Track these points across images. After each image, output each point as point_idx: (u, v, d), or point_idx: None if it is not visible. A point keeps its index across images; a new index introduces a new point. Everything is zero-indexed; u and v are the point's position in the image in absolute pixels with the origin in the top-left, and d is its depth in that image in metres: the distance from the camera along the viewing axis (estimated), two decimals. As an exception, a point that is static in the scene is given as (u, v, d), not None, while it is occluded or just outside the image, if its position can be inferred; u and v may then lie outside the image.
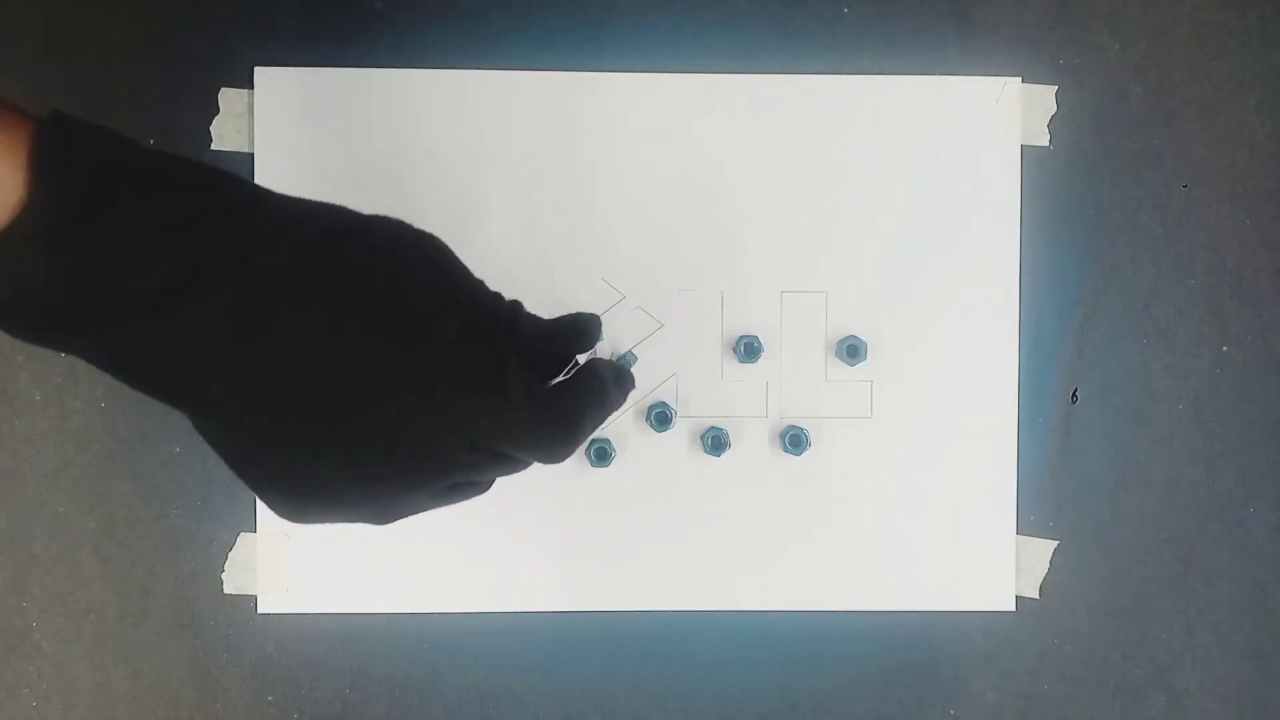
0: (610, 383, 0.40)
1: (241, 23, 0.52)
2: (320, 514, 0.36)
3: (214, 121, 0.52)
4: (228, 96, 0.52)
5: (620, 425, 0.53)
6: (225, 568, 0.52)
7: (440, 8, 0.52)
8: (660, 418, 0.52)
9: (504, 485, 0.51)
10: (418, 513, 0.37)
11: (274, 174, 0.51)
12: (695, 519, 0.53)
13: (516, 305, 0.39)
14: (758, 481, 0.53)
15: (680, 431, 0.53)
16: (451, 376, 0.34)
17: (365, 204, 0.36)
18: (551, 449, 0.37)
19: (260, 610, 0.52)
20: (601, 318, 0.51)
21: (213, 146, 0.52)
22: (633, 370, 0.52)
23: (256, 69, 0.52)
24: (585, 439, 0.39)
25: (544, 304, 0.41)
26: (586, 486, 0.52)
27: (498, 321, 0.38)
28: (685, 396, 0.53)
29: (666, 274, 0.53)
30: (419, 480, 0.35)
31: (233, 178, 0.35)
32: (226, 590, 0.52)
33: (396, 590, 0.52)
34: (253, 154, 0.52)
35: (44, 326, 0.32)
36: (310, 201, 0.35)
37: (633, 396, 0.52)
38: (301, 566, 0.52)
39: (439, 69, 0.52)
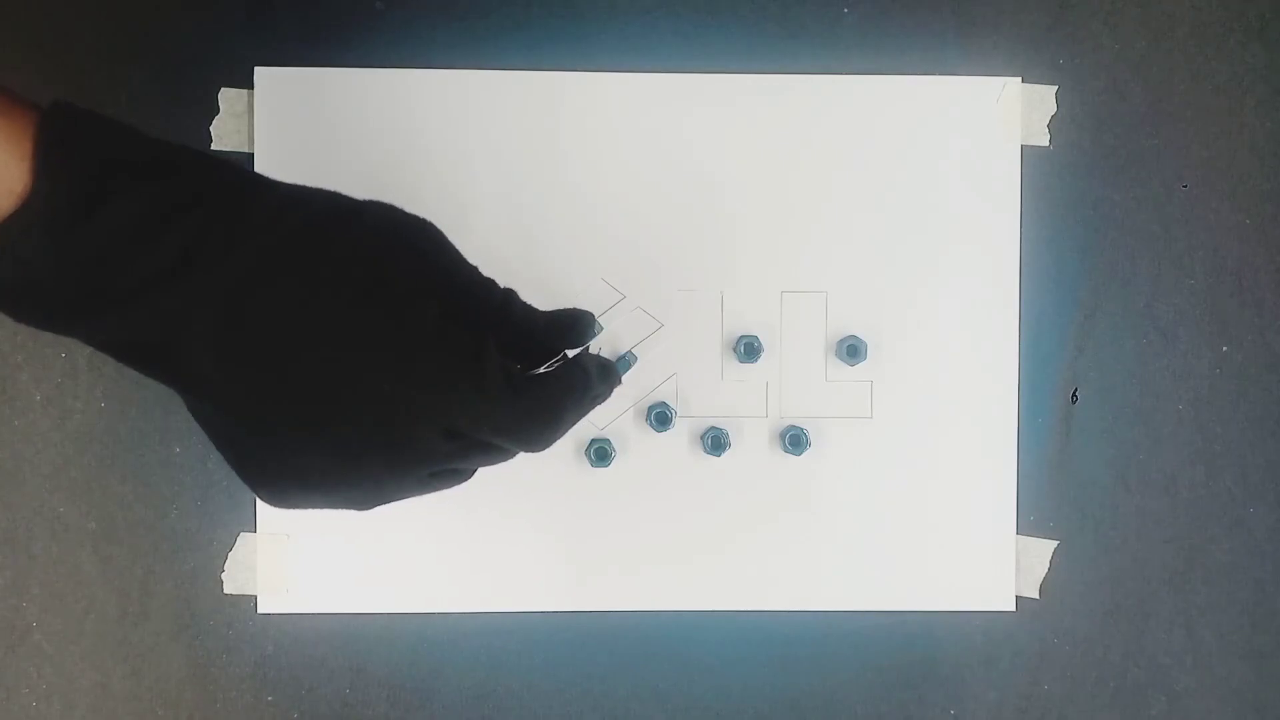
0: (594, 376, 0.40)
1: (241, 23, 0.52)
2: (301, 498, 0.36)
3: (214, 121, 0.52)
4: (228, 96, 0.52)
5: (620, 425, 0.53)
6: (225, 568, 0.52)
7: (440, 8, 0.52)
8: (660, 418, 0.52)
9: (504, 485, 0.51)
10: (399, 499, 0.37)
11: (273, 174, 0.51)
12: (695, 519, 0.53)
13: (510, 293, 0.39)
14: (758, 481, 0.53)
15: (680, 431, 0.53)
16: (428, 361, 0.34)
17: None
18: (529, 438, 0.38)
19: (260, 610, 0.52)
20: (601, 318, 0.52)
21: (212, 146, 0.52)
22: (633, 370, 0.52)
23: (256, 69, 0.52)
24: (564, 430, 0.39)
25: (544, 304, 0.41)
26: (586, 486, 0.52)
27: (488, 308, 0.38)
28: (685, 396, 0.53)
29: (666, 274, 0.53)
30: (396, 465, 0.36)
31: (230, 164, 0.35)
32: (226, 590, 0.52)
33: (396, 590, 0.52)
34: (252, 154, 0.52)
35: (47, 310, 0.33)
36: (306, 188, 0.36)
37: (633, 396, 0.52)
38: (301, 566, 0.52)
39: (439, 69, 0.52)
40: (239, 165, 0.36)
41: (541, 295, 0.44)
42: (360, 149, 0.52)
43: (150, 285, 0.32)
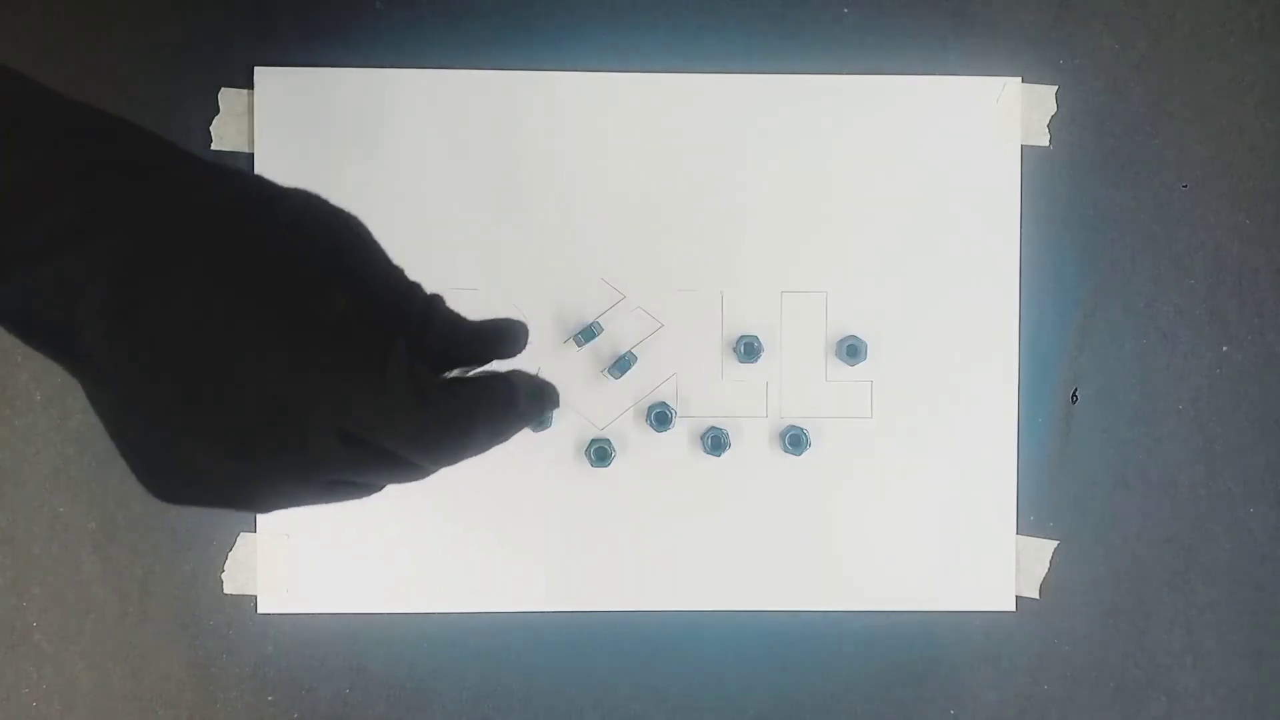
0: (520, 392, 0.37)
1: (241, 23, 0.52)
2: (190, 495, 0.34)
3: (214, 121, 0.52)
4: (228, 96, 0.52)
5: (620, 425, 0.53)
6: (225, 568, 0.52)
7: (440, 8, 0.52)
8: (660, 418, 0.52)
9: (504, 485, 0.51)
10: (294, 506, 0.34)
11: (273, 174, 0.51)
12: (695, 519, 0.53)
13: (435, 299, 0.36)
14: (758, 481, 0.53)
15: (680, 431, 0.53)
16: (325, 356, 0.32)
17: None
18: (432, 449, 0.34)
19: (260, 610, 0.52)
20: (601, 318, 0.52)
21: (213, 146, 0.52)
22: (633, 370, 0.52)
23: (256, 69, 0.52)
24: (476, 447, 0.35)
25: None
26: (586, 486, 0.52)
27: (408, 313, 0.35)
28: (685, 396, 0.53)
29: (666, 274, 0.53)
30: (288, 468, 0.33)
31: (146, 132, 0.33)
32: (226, 590, 0.52)
33: (396, 590, 0.52)
34: (252, 154, 0.52)
35: None
36: (227, 166, 0.34)
37: (633, 396, 0.52)
38: (301, 566, 0.52)
39: (439, 69, 0.52)
40: (156, 135, 0.33)
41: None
42: (360, 149, 0.52)
43: (43, 251, 0.30)
